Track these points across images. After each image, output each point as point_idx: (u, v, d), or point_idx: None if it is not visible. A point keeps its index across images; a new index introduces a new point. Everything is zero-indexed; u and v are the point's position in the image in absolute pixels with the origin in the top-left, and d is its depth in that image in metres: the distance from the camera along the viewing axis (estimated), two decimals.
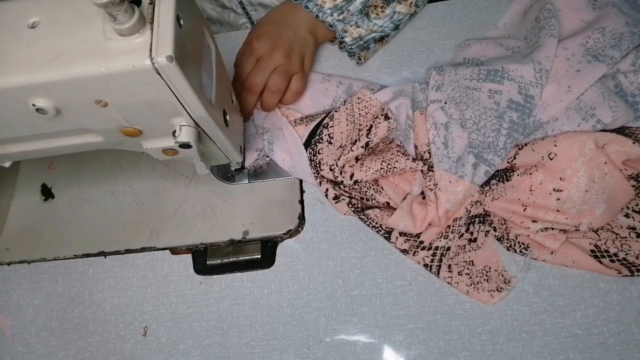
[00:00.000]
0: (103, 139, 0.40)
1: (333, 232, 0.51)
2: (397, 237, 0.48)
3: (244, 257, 0.51)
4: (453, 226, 0.47)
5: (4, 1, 0.35)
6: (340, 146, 0.51)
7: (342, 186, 0.50)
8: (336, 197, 0.50)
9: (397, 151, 0.50)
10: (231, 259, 0.51)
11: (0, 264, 0.54)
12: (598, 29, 0.49)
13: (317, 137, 0.51)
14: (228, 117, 0.43)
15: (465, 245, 0.47)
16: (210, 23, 0.69)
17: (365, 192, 0.50)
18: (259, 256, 0.51)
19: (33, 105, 0.33)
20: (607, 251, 0.45)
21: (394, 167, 0.49)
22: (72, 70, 0.31)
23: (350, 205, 0.50)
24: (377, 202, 0.50)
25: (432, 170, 0.48)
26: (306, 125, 0.53)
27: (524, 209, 0.46)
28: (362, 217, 0.49)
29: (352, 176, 0.49)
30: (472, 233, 0.47)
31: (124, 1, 0.29)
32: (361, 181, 0.49)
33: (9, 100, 0.33)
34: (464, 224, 0.47)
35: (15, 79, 0.32)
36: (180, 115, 0.36)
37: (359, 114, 0.51)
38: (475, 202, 0.47)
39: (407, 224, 0.47)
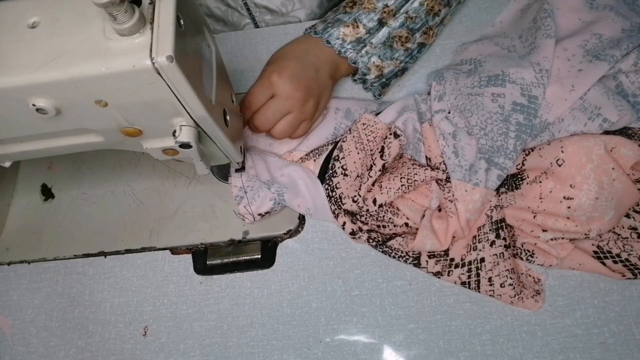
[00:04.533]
0: (103, 139, 0.40)
1: (333, 232, 0.51)
2: (427, 261, 0.47)
3: (244, 257, 0.51)
4: (479, 235, 0.46)
5: (4, 1, 0.35)
6: (358, 176, 0.49)
7: (359, 216, 0.49)
8: (353, 233, 0.48)
9: (412, 164, 0.48)
10: (231, 259, 0.51)
11: (0, 264, 0.54)
12: (595, 35, 0.50)
13: (331, 172, 0.49)
14: (228, 117, 0.43)
15: (503, 253, 0.45)
16: (213, 21, 0.68)
17: (383, 216, 0.49)
18: (259, 256, 0.51)
19: (33, 105, 0.33)
20: (609, 252, 0.45)
21: (415, 180, 0.47)
22: (72, 70, 0.31)
23: (370, 240, 0.48)
24: (395, 225, 0.49)
25: (449, 181, 0.47)
26: (315, 160, 0.52)
27: (534, 217, 0.46)
28: (386, 249, 0.48)
29: (375, 201, 0.48)
30: (505, 239, 0.46)
31: (124, 1, 0.29)
32: (385, 204, 0.48)
33: (9, 100, 0.33)
34: (489, 230, 0.46)
35: (15, 79, 0.32)
36: (180, 115, 0.36)
37: (367, 140, 0.50)
38: (495, 207, 0.46)
39: (434, 242, 0.46)
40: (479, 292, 0.46)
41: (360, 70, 0.53)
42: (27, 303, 0.52)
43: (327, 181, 0.49)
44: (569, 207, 0.44)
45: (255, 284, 0.50)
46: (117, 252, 0.53)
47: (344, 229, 0.49)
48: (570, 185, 0.44)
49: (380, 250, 0.48)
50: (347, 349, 0.46)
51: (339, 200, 0.49)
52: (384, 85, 0.55)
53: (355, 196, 0.48)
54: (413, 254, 0.48)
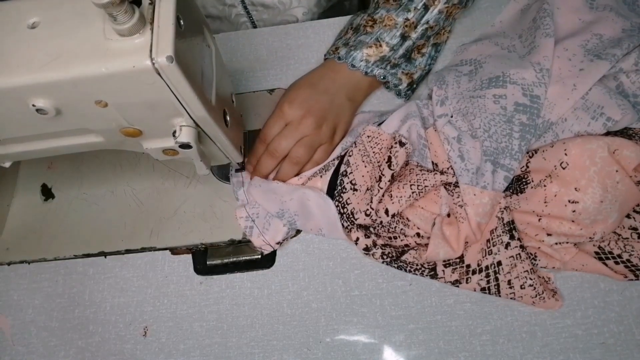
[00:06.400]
0: (103, 139, 0.40)
1: None
2: (443, 271, 0.47)
3: (244, 257, 0.51)
4: (493, 239, 0.46)
5: (4, 1, 0.35)
6: (368, 189, 0.48)
7: (372, 228, 0.48)
8: (367, 249, 0.48)
9: (420, 170, 0.48)
10: (231, 259, 0.51)
11: (0, 264, 0.54)
12: (596, 35, 0.49)
13: (340, 188, 0.49)
14: (228, 117, 0.43)
15: (519, 254, 0.45)
16: (210, 20, 0.68)
17: (395, 227, 0.48)
18: (259, 256, 0.51)
19: (33, 105, 0.33)
20: (610, 252, 0.45)
21: (425, 186, 0.47)
22: (72, 70, 0.31)
23: (384, 256, 0.48)
24: (407, 235, 0.48)
25: (458, 186, 0.47)
26: (322, 176, 0.50)
27: (539, 220, 0.46)
28: (400, 264, 0.47)
29: (387, 211, 0.47)
30: (519, 239, 0.45)
31: (124, 1, 0.29)
32: (398, 213, 0.47)
33: (9, 100, 0.33)
34: (503, 232, 0.45)
35: (15, 79, 0.32)
36: (180, 115, 0.36)
37: (373, 152, 0.49)
38: (504, 209, 0.46)
39: (447, 250, 0.45)
40: (500, 296, 0.45)
41: (392, 83, 0.52)
42: (27, 303, 0.52)
43: (337, 197, 0.48)
44: (574, 211, 0.44)
45: (255, 284, 0.50)
46: (117, 252, 0.53)
47: (356, 244, 0.48)
48: (575, 188, 0.44)
49: (395, 266, 0.48)
50: (347, 349, 0.46)
51: (351, 216, 0.48)
52: (414, 90, 0.55)
53: (367, 210, 0.47)
54: (429, 265, 0.47)
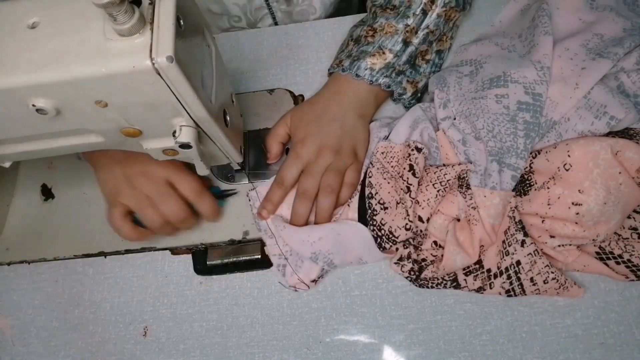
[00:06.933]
0: (103, 139, 0.40)
1: None
2: (465, 279, 0.46)
3: (244, 257, 0.51)
4: (507, 239, 0.46)
5: (4, 1, 0.35)
6: (397, 203, 0.48)
7: (411, 240, 0.47)
8: (400, 259, 0.47)
9: (437, 168, 0.48)
10: (231, 259, 0.51)
11: (0, 264, 0.54)
12: (597, 35, 0.49)
13: (370, 211, 0.48)
14: (228, 117, 0.43)
15: (537, 250, 0.45)
16: (228, 18, 0.67)
17: (414, 239, 0.48)
18: (259, 256, 0.51)
19: (33, 105, 0.33)
20: (611, 252, 0.45)
21: (447, 180, 0.47)
22: (72, 70, 0.31)
23: (412, 272, 0.47)
24: (422, 249, 0.48)
25: (470, 188, 0.47)
26: (349, 205, 0.50)
27: (542, 221, 0.45)
28: (422, 282, 0.47)
29: (420, 219, 0.47)
30: (532, 236, 0.45)
31: (124, 1, 0.29)
32: (431, 216, 0.47)
33: (9, 100, 0.33)
34: (516, 231, 0.45)
35: (15, 80, 0.32)
36: (180, 115, 0.36)
37: (391, 166, 0.49)
38: (514, 208, 0.46)
39: (463, 257, 0.45)
40: (525, 295, 0.45)
41: (397, 93, 0.52)
42: (27, 303, 0.52)
43: (371, 222, 0.48)
44: (577, 213, 0.43)
45: (255, 284, 0.50)
46: (117, 252, 0.53)
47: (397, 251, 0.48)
48: (579, 190, 0.43)
49: (417, 285, 0.47)
50: (347, 349, 0.46)
51: (391, 235, 0.47)
52: (419, 99, 0.55)
53: (406, 224, 0.47)
54: (449, 277, 0.47)
